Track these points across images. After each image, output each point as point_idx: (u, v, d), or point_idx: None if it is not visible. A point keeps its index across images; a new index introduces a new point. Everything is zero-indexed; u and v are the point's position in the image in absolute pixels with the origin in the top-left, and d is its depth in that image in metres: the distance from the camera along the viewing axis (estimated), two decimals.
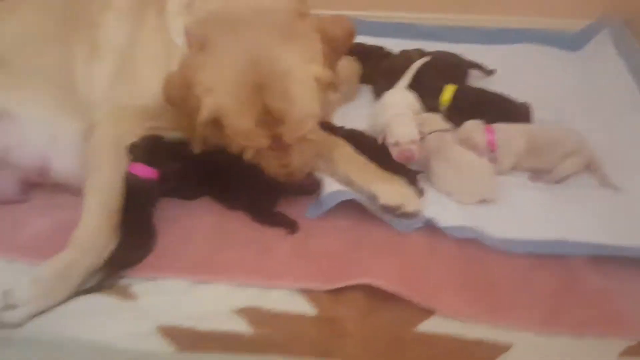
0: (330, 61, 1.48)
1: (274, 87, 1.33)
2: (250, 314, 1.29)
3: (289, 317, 1.29)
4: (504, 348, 1.24)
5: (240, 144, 1.42)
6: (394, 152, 1.63)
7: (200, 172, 1.50)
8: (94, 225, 1.37)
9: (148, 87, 1.48)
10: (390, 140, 1.64)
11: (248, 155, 1.45)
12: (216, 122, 1.39)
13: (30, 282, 1.26)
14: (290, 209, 1.55)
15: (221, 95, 1.36)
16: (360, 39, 2.32)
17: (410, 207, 1.51)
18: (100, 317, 1.27)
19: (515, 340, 1.25)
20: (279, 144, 1.40)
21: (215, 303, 1.32)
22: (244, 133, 1.38)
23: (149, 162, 1.42)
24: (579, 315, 1.30)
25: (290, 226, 1.48)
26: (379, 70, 2.08)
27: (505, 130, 1.75)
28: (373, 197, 1.53)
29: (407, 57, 2.08)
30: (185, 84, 1.39)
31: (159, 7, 1.59)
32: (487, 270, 1.41)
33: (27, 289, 1.26)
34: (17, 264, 1.41)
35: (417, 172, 1.64)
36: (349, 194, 1.53)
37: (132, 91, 1.52)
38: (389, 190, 1.53)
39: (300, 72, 1.37)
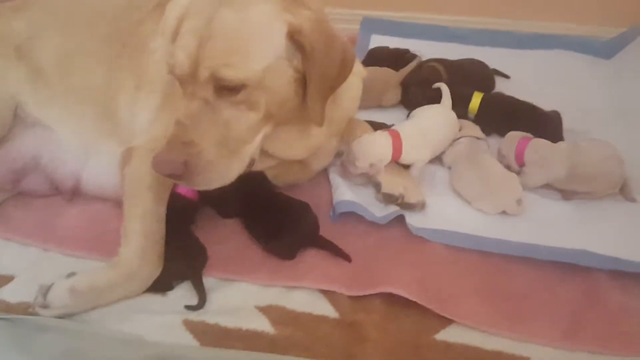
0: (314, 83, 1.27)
1: (228, 10, 1.18)
2: (273, 312, 1.32)
3: (311, 318, 1.32)
4: None
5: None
6: (343, 157, 1.63)
7: (235, 196, 1.46)
8: (140, 253, 1.33)
9: None
10: (352, 151, 1.58)
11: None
12: None
13: (68, 291, 1.28)
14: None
15: None
16: (392, 40, 2.36)
17: (411, 199, 1.56)
18: (131, 309, 1.32)
19: (533, 354, 1.25)
20: (193, 79, 1.19)
21: (239, 300, 1.35)
22: (172, 21, 1.21)
23: None
24: (599, 332, 1.30)
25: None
26: (404, 84, 1.99)
27: (543, 149, 1.65)
28: (377, 185, 1.59)
29: (433, 70, 2.00)
30: None
31: None
32: (508, 282, 1.41)
33: (63, 296, 1.28)
34: (52, 253, 1.47)
35: None
36: (353, 205, 1.54)
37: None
38: (392, 181, 1.58)
39: (265, 12, 1.20)
